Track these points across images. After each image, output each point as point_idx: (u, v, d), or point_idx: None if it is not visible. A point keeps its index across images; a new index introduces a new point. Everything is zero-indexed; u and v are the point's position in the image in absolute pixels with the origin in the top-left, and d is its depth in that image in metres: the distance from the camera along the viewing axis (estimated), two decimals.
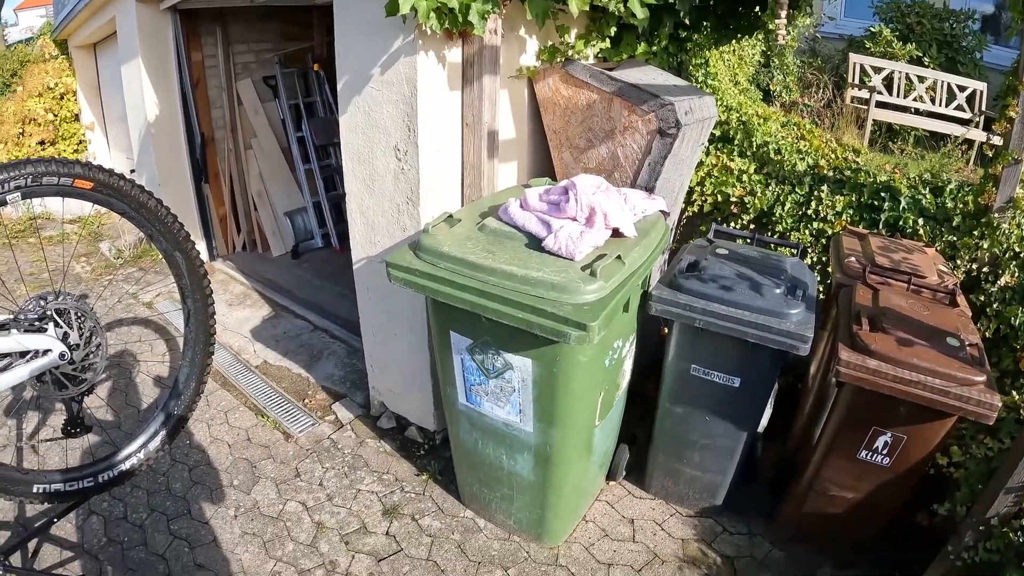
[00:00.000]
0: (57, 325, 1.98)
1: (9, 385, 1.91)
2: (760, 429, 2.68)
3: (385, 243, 2.85)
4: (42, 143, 6.86)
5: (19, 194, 1.77)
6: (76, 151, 7.03)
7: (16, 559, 2.36)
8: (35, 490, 2.08)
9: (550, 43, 2.90)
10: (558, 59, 2.87)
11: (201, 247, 5.21)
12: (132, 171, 5.33)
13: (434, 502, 2.86)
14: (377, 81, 2.54)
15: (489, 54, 2.50)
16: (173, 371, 3.93)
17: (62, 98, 6.98)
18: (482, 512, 2.75)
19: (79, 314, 2.05)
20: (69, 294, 2.08)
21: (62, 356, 1.96)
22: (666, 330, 2.50)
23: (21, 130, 6.86)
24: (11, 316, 1.95)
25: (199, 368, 2.38)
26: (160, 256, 2.30)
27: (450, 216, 2.31)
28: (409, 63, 2.41)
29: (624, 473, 2.89)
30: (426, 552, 2.60)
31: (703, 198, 3.53)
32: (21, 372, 1.90)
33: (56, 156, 5.03)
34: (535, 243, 2.12)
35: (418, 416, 3.24)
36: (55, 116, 6.93)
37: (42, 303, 1.99)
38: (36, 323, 1.96)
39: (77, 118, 7.10)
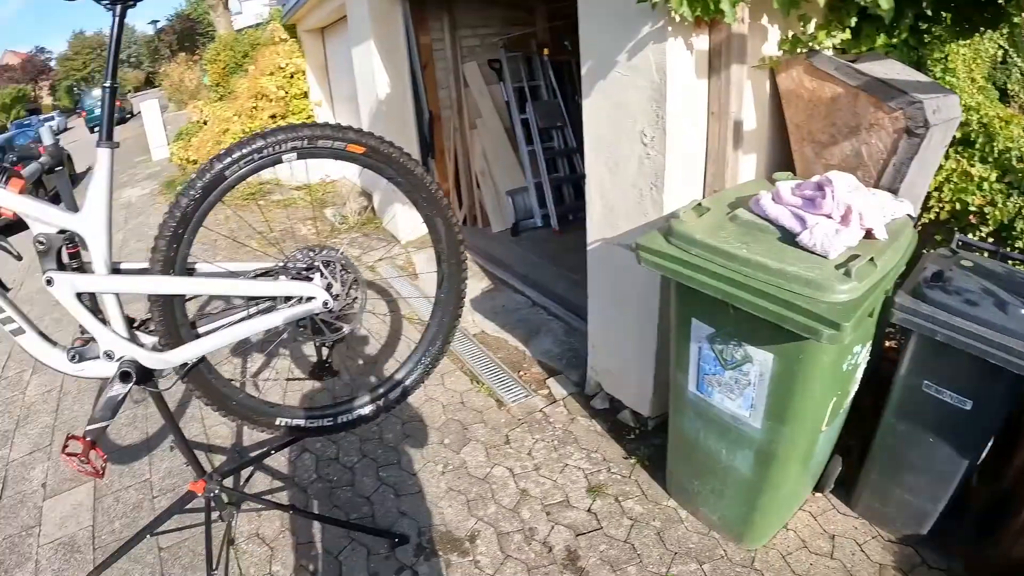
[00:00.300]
0: (322, 276, 2.11)
1: (271, 326, 2.06)
2: (979, 459, 2.48)
3: (624, 227, 2.88)
4: (273, 116, 7.60)
5: (295, 154, 1.90)
6: None
7: (228, 482, 2.53)
8: (278, 422, 2.24)
9: (791, 33, 2.81)
10: (800, 49, 2.77)
11: None
12: None
13: (639, 487, 2.87)
14: (624, 67, 2.58)
15: (737, 43, 2.47)
16: (394, 331, 4.22)
17: (292, 77, 7.69)
18: (686, 504, 2.74)
19: (343, 267, 2.16)
20: (335, 248, 2.20)
21: (324, 304, 2.08)
22: (887, 342, 2.35)
23: (254, 104, 7.65)
24: (281, 264, 2.12)
25: (446, 329, 2.41)
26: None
27: (698, 204, 2.30)
28: (659, 50, 2.42)
29: (832, 486, 2.77)
30: (625, 534, 2.63)
31: (940, 205, 3.26)
32: (284, 315, 2.05)
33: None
34: (787, 237, 2.07)
35: (633, 400, 3.24)
36: (285, 93, 7.65)
37: (311, 254, 2.12)
38: (303, 272, 2.11)
39: (306, 95, 7.77)
